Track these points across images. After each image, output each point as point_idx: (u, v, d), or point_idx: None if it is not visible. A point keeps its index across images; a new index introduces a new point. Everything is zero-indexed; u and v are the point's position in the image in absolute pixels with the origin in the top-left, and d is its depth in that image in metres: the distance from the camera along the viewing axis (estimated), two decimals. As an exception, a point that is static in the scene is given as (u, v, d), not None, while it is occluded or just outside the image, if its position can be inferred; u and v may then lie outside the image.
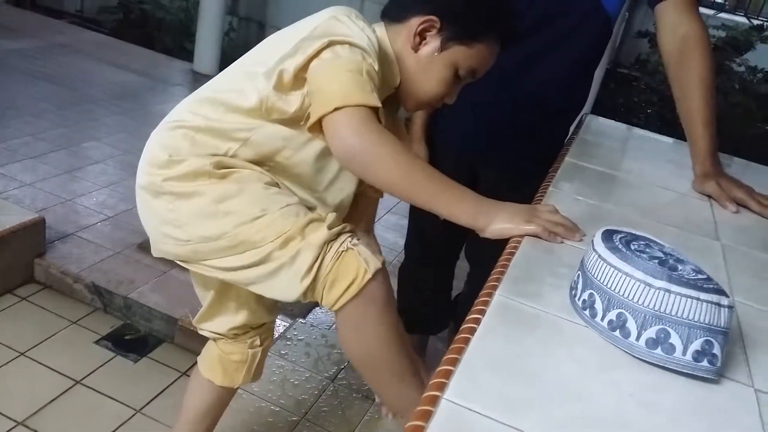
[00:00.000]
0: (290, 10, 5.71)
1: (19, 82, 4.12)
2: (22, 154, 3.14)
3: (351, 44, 1.04)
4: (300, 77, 1.06)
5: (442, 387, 0.65)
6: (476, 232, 1.02)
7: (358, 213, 1.33)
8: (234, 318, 1.35)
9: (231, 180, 1.09)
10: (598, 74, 4.51)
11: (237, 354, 1.39)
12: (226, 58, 5.33)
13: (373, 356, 1.13)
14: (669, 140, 1.89)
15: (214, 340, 1.41)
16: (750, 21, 5.38)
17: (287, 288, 1.06)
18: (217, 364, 1.40)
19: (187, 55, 5.45)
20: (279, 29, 1.17)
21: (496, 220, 1.00)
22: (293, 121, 1.10)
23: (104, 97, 4.20)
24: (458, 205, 1.01)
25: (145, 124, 3.92)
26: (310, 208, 1.15)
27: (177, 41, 5.87)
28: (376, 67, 1.05)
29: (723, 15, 5.55)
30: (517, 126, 1.65)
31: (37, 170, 3.03)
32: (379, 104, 1.01)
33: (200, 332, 1.40)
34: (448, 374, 0.67)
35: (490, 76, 1.23)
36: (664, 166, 1.64)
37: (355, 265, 1.04)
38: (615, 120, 2.02)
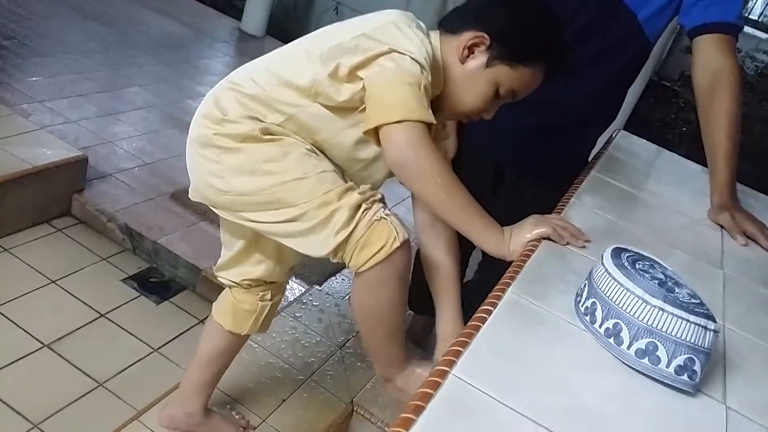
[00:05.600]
0: (343, -22, 5.77)
1: (72, 19, 4.22)
2: (69, 91, 3.25)
3: (412, 58, 1.11)
4: (354, 74, 1.14)
5: (451, 364, 0.75)
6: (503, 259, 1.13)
7: None
8: (252, 270, 1.45)
9: (276, 144, 1.19)
10: (638, 87, 4.50)
11: (248, 303, 1.49)
12: (273, 22, 5.39)
13: (379, 315, 1.22)
14: (696, 167, 1.93)
15: (229, 287, 1.51)
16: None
17: (320, 243, 1.15)
18: (228, 310, 1.51)
19: (236, 13, 5.52)
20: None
21: (513, 240, 1.13)
22: (338, 108, 1.18)
23: (151, 44, 4.30)
24: (484, 234, 1.13)
25: (186, 76, 4.02)
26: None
27: (227, -3, 5.94)
28: (430, 79, 1.13)
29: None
30: (545, 132, 1.71)
31: (82, 108, 3.14)
32: (434, 121, 1.11)
33: (218, 279, 1.51)
34: (458, 354, 0.77)
35: None
36: (685, 192, 1.70)
37: (386, 233, 1.12)
38: (650, 134, 2.05)
